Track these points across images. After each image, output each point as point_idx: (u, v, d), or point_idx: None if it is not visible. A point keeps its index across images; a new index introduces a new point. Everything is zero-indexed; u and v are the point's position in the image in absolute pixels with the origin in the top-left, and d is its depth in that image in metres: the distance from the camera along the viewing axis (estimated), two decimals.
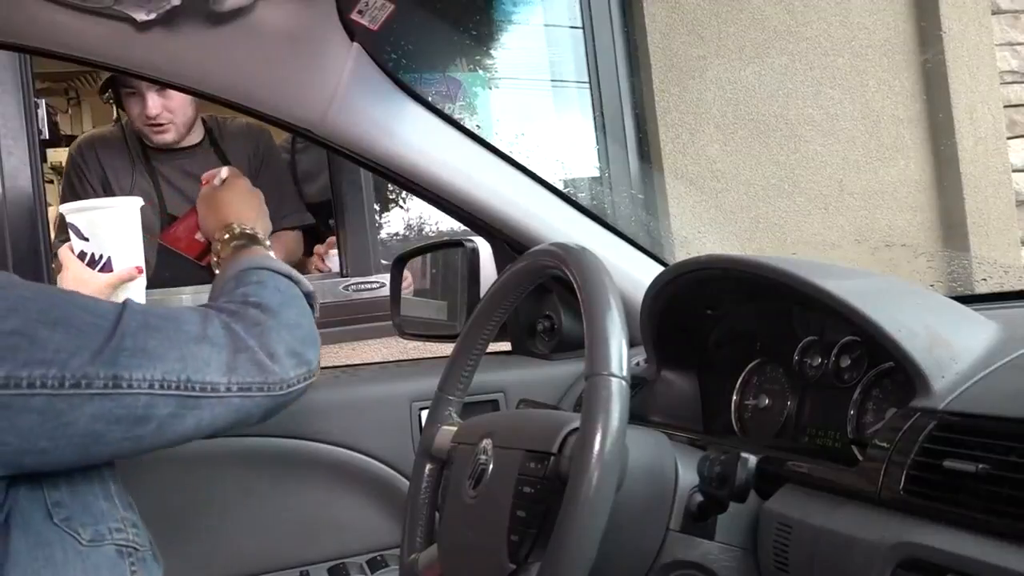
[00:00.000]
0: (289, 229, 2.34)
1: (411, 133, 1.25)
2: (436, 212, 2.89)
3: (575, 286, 0.80)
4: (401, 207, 3.00)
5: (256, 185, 1.25)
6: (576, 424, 0.76)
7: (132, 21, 1.06)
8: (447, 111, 1.32)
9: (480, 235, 1.39)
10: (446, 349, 1.38)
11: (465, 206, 1.30)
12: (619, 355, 0.72)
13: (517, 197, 1.32)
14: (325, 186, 2.52)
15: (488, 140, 1.34)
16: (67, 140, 3.98)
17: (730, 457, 0.75)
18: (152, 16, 1.05)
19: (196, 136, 2.28)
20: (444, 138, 1.28)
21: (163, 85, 1.17)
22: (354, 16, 1.17)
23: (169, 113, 2.16)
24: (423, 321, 1.57)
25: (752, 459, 0.75)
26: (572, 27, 3.00)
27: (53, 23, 1.07)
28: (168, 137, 2.20)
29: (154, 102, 2.12)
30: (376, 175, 1.43)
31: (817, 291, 0.88)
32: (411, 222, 3.01)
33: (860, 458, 0.86)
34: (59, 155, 3.79)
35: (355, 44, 1.19)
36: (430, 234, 2.94)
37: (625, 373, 0.71)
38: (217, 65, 1.15)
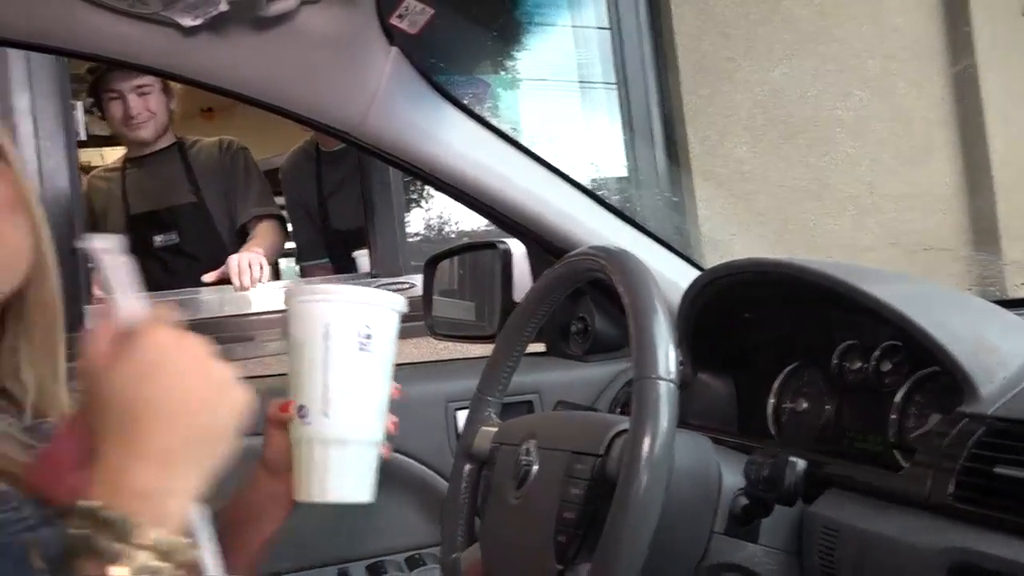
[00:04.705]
0: (267, 217, 2.47)
1: (447, 136, 1.26)
2: (456, 214, 2.91)
3: (619, 290, 0.80)
4: (421, 208, 3.01)
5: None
6: (623, 426, 0.76)
7: (178, 26, 1.08)
8: (476, 112, 1.33)
9: (514, 236, 1.40)
10: (478, 350, 1.38)
11: (500, 208, 1.31)
12: (667, 358, 0.72)
13: (551, 199, 1.33)
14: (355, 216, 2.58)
15: (521, 142, 1.35)
16: (94, 141, 4.03)
17: (779, 460, 0.75)
18: (199, 21, 1.06)
19: (165, 142, 2.48)
20: (479, 141, 1.29)
21: (205, 89, 1.18)
22: (394, 20, 1.17)
23: (148, 112, 2.38)
24: (454, 322, 1.58)
25: (801, 463, 0.76)
26: (600, 28, 3.00)
27: (100, 28, 1.08)
28: (144, 133, 2.40)
29: (135, 102, 2.35)
30: (413, 177, 1.44)
31: (861, 295, 0.88)
32: (431, 223, 3.02)
33: (903, 463, 0.85)
34: (87, 155, 3.86)
35: (394, 48, 1.20)
36: (450, 235, 2.95)
37: (674, 376, 0.72)
38: (260, 69, 1.16)
